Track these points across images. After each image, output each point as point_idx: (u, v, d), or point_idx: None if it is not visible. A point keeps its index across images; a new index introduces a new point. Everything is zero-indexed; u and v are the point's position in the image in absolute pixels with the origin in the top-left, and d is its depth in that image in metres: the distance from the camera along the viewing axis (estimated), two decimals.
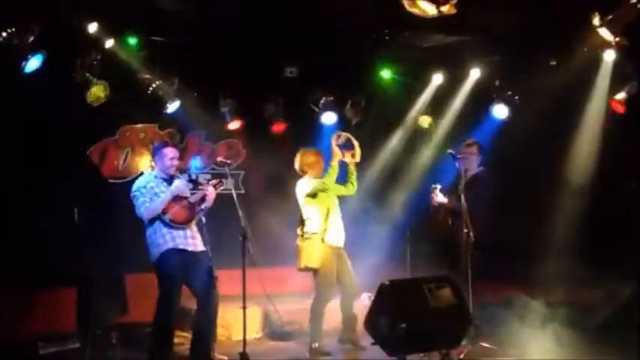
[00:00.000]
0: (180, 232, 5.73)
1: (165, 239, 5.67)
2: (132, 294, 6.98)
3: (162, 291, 5.64)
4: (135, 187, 5.77)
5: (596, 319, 6.31)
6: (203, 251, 5.80)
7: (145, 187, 5.72)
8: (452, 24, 6.08)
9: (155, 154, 5.92)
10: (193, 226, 5.86)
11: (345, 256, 6.49)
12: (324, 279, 6.32)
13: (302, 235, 6.43)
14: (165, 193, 5.71)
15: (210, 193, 5.82)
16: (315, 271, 6.34)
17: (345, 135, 6.63)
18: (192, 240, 5.78)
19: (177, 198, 5.79)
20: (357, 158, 6.66)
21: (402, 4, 5.32)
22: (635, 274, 6.41)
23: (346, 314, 6.48)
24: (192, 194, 5.94)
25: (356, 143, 6.66)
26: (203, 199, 5.83)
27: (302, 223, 6.47)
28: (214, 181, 6.01)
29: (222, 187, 6.01)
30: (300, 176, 6.57)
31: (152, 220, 5.69)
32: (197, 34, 6.96)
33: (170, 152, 5.87)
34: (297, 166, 6.59)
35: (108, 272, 7.09)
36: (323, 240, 6.32)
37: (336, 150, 6.48)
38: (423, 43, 7.60)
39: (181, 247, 5.69)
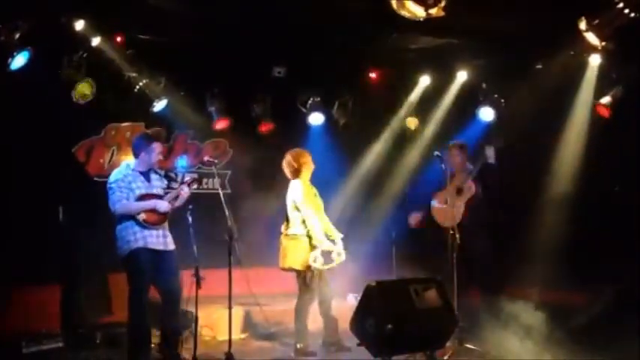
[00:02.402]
0: (153, 232, 5.66)
1: (136, 237, 5.61)
2: (116, 293, 6.94)
3: (131, 290, 5.60)
4: (112, 178, 5.68)
5: (580, 320, 6.35)
6: (172, 250, 5.77)
7: (122, 180, 5.64)
8: (440, 26, 6.11)
9: (142, 147, 5.77)
10: (165, 225, 5.79)
11: None
12: (308, 280, 6.30)
13: (286, 234, 6.37)
14: (149, 202, 5.63)
15: (185, 192, 5.75)
16: (298, 272, 6.32)
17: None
18: (163, 239, 5.73)
19: (152, 197, 5.69)
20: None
21: (390, 6, 5.33)
22: (619, 276, 6.46)
23: (326, 318, 6.44)
24: (167, 193, 5.85)
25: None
26: (177, 198, 5.76)
27: (287, 221, 6.43)
28: (188, 179, 5.89)
29: (195, 186, 5.93)
30: (289, 178, 6.46)
31: (125, 216, 5.63)
32: (184, 32, 6.93)
33: (158, 147, 5.81)
34: (293, 165, 6.37)
35: (92, 271, 7.06)
36: (309, 242, 6.29)
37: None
38: (411, 45, 7.63)
39: (151, 246, 5.64)
